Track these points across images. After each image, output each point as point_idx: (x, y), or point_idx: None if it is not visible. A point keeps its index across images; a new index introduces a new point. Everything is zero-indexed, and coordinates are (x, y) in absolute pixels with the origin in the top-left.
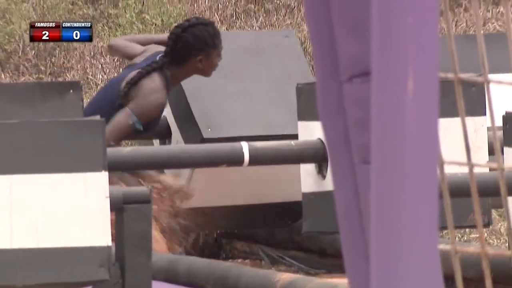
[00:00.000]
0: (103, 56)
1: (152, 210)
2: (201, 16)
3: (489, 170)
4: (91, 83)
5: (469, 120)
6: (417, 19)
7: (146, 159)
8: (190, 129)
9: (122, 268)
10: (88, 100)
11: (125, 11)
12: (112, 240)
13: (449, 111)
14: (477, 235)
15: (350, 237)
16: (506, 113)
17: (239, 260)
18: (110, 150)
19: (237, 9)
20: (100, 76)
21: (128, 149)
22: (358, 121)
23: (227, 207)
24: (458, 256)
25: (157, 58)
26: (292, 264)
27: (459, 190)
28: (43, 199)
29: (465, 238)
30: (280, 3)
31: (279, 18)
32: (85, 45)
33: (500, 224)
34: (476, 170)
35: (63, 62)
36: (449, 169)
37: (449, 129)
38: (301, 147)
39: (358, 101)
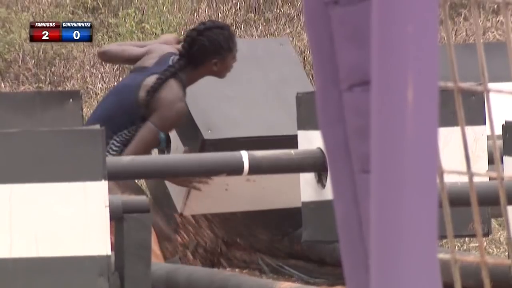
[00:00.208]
0: (103, 65)
1: (152, 219)
2: None
3: (489, 179)
4: (91, 92)
5: (469, 129)
6: (417, 28)
7: (146, 168)
8: (190, 132)
9: (122, 277)
10: (89, 106)
11: (125, 21)
12: (111, 249)
13: (449, 120)
14: (477, 244)
15: (349, 246)
16: (506, 122)
17: (237, 270)
18: (109, 159)
19: (237, 19)
20: (100, 85)
21: (128, 158)
22: (358, 130)
23: (227, 214)
24: (458, 265)
25: (170, 61)
26: (291, 273)
27: (458, 199)
28: (42, 208)
29: (465, 247)
30: (280, 12)
31: (279, 27)
32: (84, 55)
33: (499, 233)
34: (476, 179)
35: (63, 72)
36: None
37: (449, 138)
38: (300, 156)
39: (358, 110)
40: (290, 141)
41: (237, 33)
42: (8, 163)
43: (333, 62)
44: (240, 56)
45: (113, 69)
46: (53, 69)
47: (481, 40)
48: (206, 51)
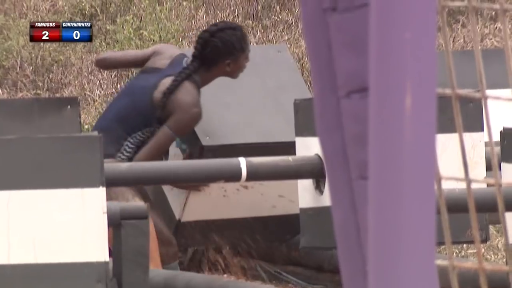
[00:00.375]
0: (100, 72)
1: (149, 225)
2: (198, 32)
3: (487, 185)
4: (89, 99)
5: (467, 136)
6: (415, 34)
7: (144, 174)
8: (189, 138)
9: (120, 283)
10: (86, 113)
11: (123, 27)
12: (109, 255)
13: (446, 126)
14: (475, 251)
15: (347, 253)
16: (504, 129)
17: (233, 277)
18: (107, 166)
19: None
20: (98, 92)
21: (126, 165)
22: (356, 136)
23: (225, 221)
24: (456, 271)
25: (184, 62)
26: (289, 279)
27: (456, 206)
28: (41, 215)
29: (463, 254)
30: (278, 19)
31: (276, 34)
32: (82, 61)
33: (497, 239)
34: (474, 185)
35: (61, 78)
36: (446, 185)
37: (446, 145)
38: (298, 162)
39: (356, 117)
40: (288, 148)
41: None
42: (6, 169)
43: (331, 68)
44: None
45: (111, 76)
46: (51, 76)
47: (479, 47)
48: (219, 52)
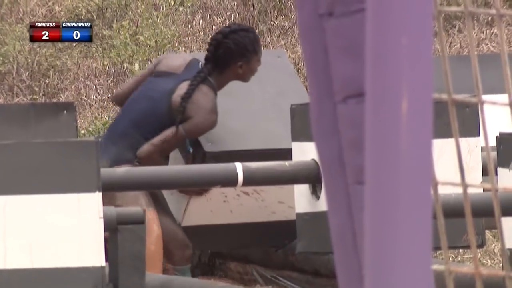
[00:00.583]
0: (97, 77)
1: (146, 231)
2: (195, 37)
3: (483, 190)
4: (85, 104)
5: (463, 141)
6: (411, 39)
7: (140, 180)
8: (192, 143)
9: None
10: (83, 118)
11: (119, 33)
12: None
13: (443, 131)
14: (471, 256)
15: (344, 258)
16: (500, 134)
17: (230, 282)
18: (104, 171)
19: None
20: (94, 97)
21: (123, 170)
22: (352, 141)
23: (225, 226)
24: (452, 276)
25: (199, 66)
26: (286, 284)
27: (453, 211)
28: (37, 220)
29: (459, 259)
30: (274, 25)
31: (273, 40)
32: (79, 67)
33: (494, 244)
34: (470, 190)
35: (57, 83)
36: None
37: (443, 150)
38: (295, 167)
39: (352, 122)
40: (289, 154)
41: None
42: (2, 174)
43: (327, 74)
44: None
45: (107, 81)
46: (47, 81)
47: (475, 52)
48: (232, 53)
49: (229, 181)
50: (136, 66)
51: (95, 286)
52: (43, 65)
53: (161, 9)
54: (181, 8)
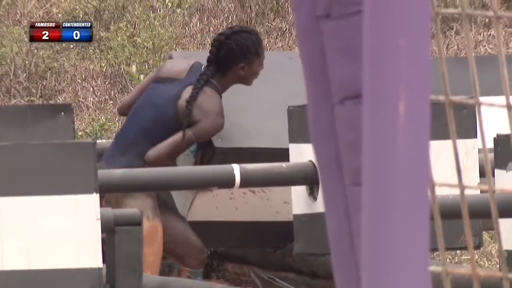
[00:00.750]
0: (94, 79)
1: (143, 232)
2: (192, 39)
3: (480, 192)
4: (82, 105)
5: (460, 142)
6: (409, 41)
7: (138, 181)
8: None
9: None
10: (80, 120)
11: (116, 34)
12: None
13: (440, 133)
14: (468, 257)
15: (341, 259)
16: (497, 135)
17: (226, 283)
18: (101, 172)
19: None
20: (91, 99)
21: (120, 171)
22: (350, 143)
23: (230, 223)
24: (450, 277)
25: (202, 69)
26: (283, 285)
27: (450, 212)
28: (34, 221)
29: (456, 260)
30: (272, 26)
31: (270, 41)
32: (76, 68)
33: (491, 246)
34: (467, 192)
35: (54, 85)
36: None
37: (440, 151)
38: (292, 169)
39: (349, 124)
40: None
41: None
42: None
43: (324, 75)
44: None
45: (105, 83)
46: (44, 83)
47: (473, 54)
48: (234, 55)
49: (227, 182)
50: (134, 68)
51: (92, 287)
52: (40, 66)
53: (158, 11)
54: (178, 10)
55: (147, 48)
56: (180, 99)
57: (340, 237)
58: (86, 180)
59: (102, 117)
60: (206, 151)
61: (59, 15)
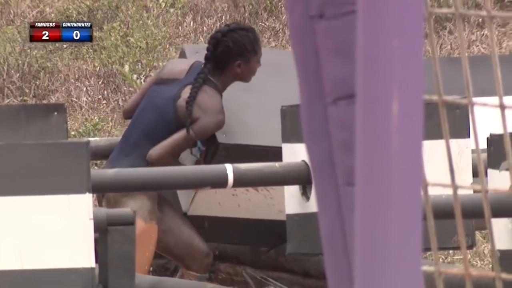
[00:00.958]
0: (87, 78)
1: (136, 232)
2: (185, 38)
3: (473, 192)
4: (75, 105)
5: (453, 142)
6: (402, 41)
7: (130, 181)
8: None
9: None
10: (73, 119)
11: (110, 34)
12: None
13: (433, 133)
14: (461, 257)
15: (334, 259)
16: (491, 135)
17: (219, 283)
18: (94, 172)
19: None
20: (85, 99)
21: (113, 171)
22: (343, 143)
23: (231, 219)
24: (442, 277)
25: (200, 67)
26: (276, 285)
27: (443, 212)
28: (27, 221)
29: (449, 260)
30: (265, 26)
31: (263, 41)
32: (69, 68)
33: (484, 245)
34: (460, 192)
35: (48, 85)
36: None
37: (433, 151)
38: (285, 169)
39: (342, 124)
40: None
41: None
42: None
43: (318, 75)
44: (263, 65)
45: (98, 83)
46: (37, 83)
47: (466, 54)
48: (231, 52)
49: (219, 182)
50: (127, 67)
51: (85, 287)
52: (33, 66)
53: (151, 11)
54: (172, 10)
55: (140, 47)
56: (179, 98)
57: (333, 237)
58: (79, 180)
59: (95, 117)
60: (210, 147)
61: (53, 15)
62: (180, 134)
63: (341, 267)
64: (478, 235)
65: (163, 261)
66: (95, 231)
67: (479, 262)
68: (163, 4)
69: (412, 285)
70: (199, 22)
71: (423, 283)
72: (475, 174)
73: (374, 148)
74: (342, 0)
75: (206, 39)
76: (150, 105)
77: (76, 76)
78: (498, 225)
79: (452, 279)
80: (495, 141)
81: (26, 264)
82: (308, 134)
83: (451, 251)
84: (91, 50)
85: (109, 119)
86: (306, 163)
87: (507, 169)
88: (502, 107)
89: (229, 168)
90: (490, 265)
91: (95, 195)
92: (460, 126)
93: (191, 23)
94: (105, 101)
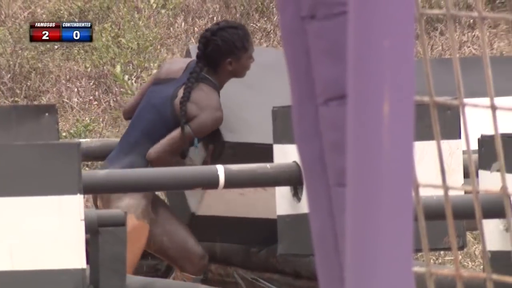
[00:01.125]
0: (78, 79)
1: (127, 233)
2: (177, 39)
3: (464, 193)
4: (67, 106)
5: (445, 143)
6: (393, 42)
7: (121, 182)
8: (211, 133)
9: None
10: (64, 120)
11: (101, 35)
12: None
13: (424, 134)
14: (452, 258)
15: (325, 260)
16: (482, 136)
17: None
18: (85, 173)
19: None
20: (76, 100)
21: (104, 172)
22: (334, 144)
23: (239, 219)
24: (433, 278)
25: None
26: (267, 286)
27: (434, 213)
28: (18, 222)
29: (440, 261)
30: (256, 27)
31: (255, 42)
32: (60, 69)
33: (474, 246)
34: (451, 192)
35: (39, 86)
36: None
37: (424, 152)
38: (276, 170)
39: (334, 124)
40: None
41: None
42: None
43: (309, 76)
44: (268, 64)
45: (89, 83)
46: (28, 83)
47: (457, 55)
48: (220, 51)
49: (211, 183)
50: (118, 68)
51: None
52: (24, 67)
53: (143, 12)
54: (163, 11)
55: (131, 48)
56: (176, 97)
57: (324, 238)
58: (70, 180)
59: (87, 118)
60: (216, 145)
61: (44, 16)
62: (177, 132)
63: (332, 268)
64: (469, 236)
65: (154, 262)
66: (86, 232)
67: (470, 263)
68: (154, 5)
69: (403, 286)
70: (191, 23)
71: (414, 284)
72: (466, 175)
73: (365, 149)
74: (334, 1)
75: (197, 40)
76: (149, 105)
77: (67, 77)
78: (489, 226)
79: (443, 280)
80: (486, 142)
81: (17, 265)
82: (299, 135)
83: (442, 252)
84: (82, 51)
85: (101, 120)
86: (297, 164)
87: (498, 170)
88: (493, 108)
89: (220, 169)
90: (481, 266)
91: None
92: (451, 127)
93: (183, 24)
94: (96, 102)
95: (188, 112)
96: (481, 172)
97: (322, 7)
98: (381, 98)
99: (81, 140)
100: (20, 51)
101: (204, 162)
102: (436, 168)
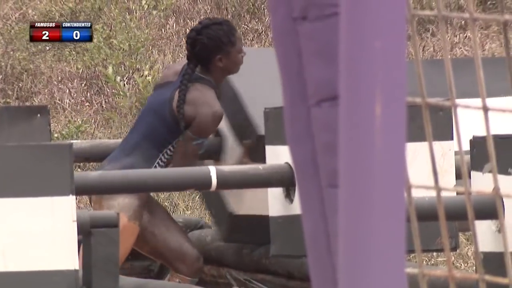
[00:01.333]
0: (70, 80)
1: (119, 234)
2: (168, 41)
3: (456, 194)
4: (59, 107)
5: (437, 144)
6: (385, 43)
7: (114, 183)
8: (244, 129)
9: None
10: (56, 121)
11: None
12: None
13: (416, 135)
14: (445, 259)
15: (318, 261)
16: (474, 137)
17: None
18: (77, 174)
19: None
20: (68, 101)
21: (96, 173)
22: (326, 145)
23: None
24: (426, 279)
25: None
26: (259, 287)
27: (426, 214)
28: (10, 223)
29: (433, 262)
30: (248, 28)
31: (246, 43)
32: (52, 70)
33: (467, 247)
34: (444, 194)
35: (31, 87)
36: (416, 193)
37: (416, 153)
38: (268, 171)
39: (326, 126)
40: None
41: None
42: None
43: (301, 77)
44: None
45: (81, 85)
46: (20, 85)
47: (449, 56)
48: (208, 48)
49: (203, 184)
50: (110, 69)
51: None
52: (16, 68)
53: (134, 13)
54: (154, 12)
55: (123, 49)
56: (173, 100)
57: (316, 239)
58: (62, 182)
59: (79, 119)
60: (252, 142)
61: (35, 17)
62: (181, 144)
63: (324, 269)
64: (461, 237)
65: (147, 263)
66: (78, 233)
67: (462, 264)
68: (146, 6)
69: (396, 287)
70: (182, 24)
71: (407, 285)
72: (458, 176)
73: (358, 150)
74: (325, 2)
75: None
76: (149, 110)
77: (59, 78)
78: (482, 227)
79: (435, 281)
80: (478, 143)
81: (9, 266)
82: (291, 136)
83: (434, 253)
84: (74, 52)
85: (92, 121)
86: (289, 165)
87: (490, 171)
88: (485, 109)
89: (212, 170)
90: (474, 267)
91: None
92: (443, 128)
93: (174, 25)
94: (88, 103)
95: (186, 114)
96: (473, 173)
97: (314, 8)
98: (373, 99)
99: (73, 141)
100: (11, 52)
101: (241, 162)
102: (428, 169)
